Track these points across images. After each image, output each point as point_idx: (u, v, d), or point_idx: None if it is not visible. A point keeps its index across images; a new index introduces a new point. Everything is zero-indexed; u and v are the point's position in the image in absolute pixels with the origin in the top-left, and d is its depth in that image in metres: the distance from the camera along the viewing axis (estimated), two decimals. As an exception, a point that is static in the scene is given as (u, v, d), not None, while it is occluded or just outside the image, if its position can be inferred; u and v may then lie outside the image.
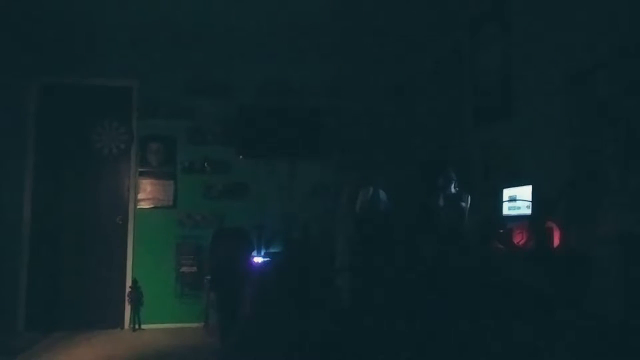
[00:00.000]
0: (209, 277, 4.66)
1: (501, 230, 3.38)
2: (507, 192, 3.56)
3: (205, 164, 5.19)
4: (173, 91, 5.16)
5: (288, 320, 4.07)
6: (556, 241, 2.97)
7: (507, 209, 3.52)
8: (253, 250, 4.61)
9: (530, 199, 3.26)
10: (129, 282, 4.95)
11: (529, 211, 3.26)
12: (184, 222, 5.12)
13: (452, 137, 4.79)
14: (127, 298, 4.92)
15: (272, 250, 4.72)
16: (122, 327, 4.93)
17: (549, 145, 3.38)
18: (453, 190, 3.97)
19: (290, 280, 4.27)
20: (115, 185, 5.13)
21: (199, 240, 5.04)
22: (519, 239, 3.11)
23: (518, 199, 3.38)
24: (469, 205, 3.90)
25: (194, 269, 5.02)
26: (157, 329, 4.89)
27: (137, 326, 4.88)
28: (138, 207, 5.08)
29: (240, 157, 5.20)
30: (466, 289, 3.23)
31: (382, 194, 4.26)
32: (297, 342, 3.81)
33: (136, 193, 5.09)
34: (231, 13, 4.55)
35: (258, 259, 4.60)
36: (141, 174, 5.13)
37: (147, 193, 5.11)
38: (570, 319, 2.64)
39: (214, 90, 5.24)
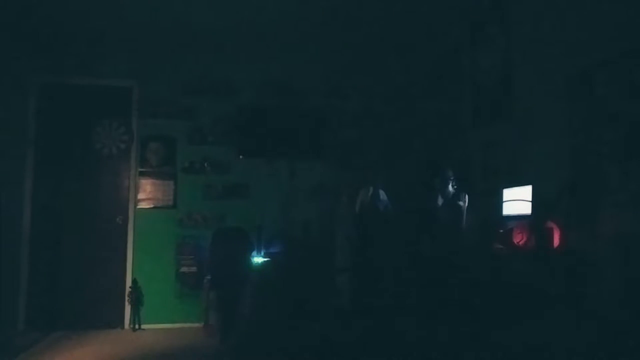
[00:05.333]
0: (209, 277, 4.66)
1: (501, 230, 3.39)
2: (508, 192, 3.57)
3: (205, 164, 5.19)
4: (173, 91, 5.16)
5: (288, 320, 4.07)
6: (556, 241, 2.97)
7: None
8: (253, 250, 4.61)
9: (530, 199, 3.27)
10: (129, 282, 4.94)
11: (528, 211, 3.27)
12: (184, 222, 5.12)
13: (452, 137, 4.80)
14: (127, 298, 4.92)
15: (272, 250, 4.72)
16: (122, 327, 4.93)
17: (549, 145, 3.38)
18: (451, 189, 3.97)
19: (290, 280, 4.27)
20: (115, 185, 5.12)
21: (199, 240, 5.03)
22: (519, 239, 3.11)
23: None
24: (467, 204, 3.90)
25: (194, 269, 5.02)
26: (157, 329, 4.88)
27: (137, 326, 4.88)
28: (138, 207, 5.08)
29: (240, 157, 5.20)
30: (466, 289, 3.23)
31: (382, 194, 4.27)
32: (297, 342, 3.81)
33: (136, 193, 5.09)
34: (231, 13, 4.55)
35: (258, 259, 4.59)
36: (141, 174, 5.13)
37: (147, 193, 5.11)
38: (570, 319, 2.64)
39: (214, 90, 5.23)
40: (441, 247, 3.67)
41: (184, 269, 5.03)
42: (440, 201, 3.99)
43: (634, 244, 2.59)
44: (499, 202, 3.63)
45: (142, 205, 5.09)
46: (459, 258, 3.50)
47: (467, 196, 3.93)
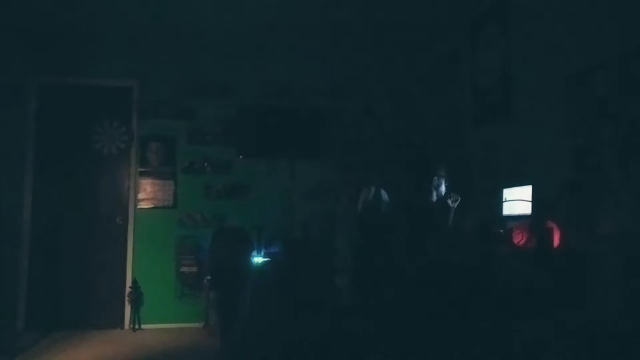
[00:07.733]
0: (209, 277, 4.65)
1: (501, 230, 3.39)
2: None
3: (205, 164, 5.19)
4: (173, 91, 5.16)
5: (288, 320, 4.07)
6: (556, 241, 2.97)
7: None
8: (253, 250, 4.61)
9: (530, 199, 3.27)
10: (129, 282, 4.94)
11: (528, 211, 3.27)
12: (184, 222, 5.12)
13: (452, 137, 4.80)
14: (127, 298, 4.92)
15: (272, 250, 4.72)
16: (122, 327, 4.93)
17: (549, 145, 3.38)
18: (444, 187, 3.95)
19: (290, 280, 4.27)
20: (115, 185, 5.12)
21: (199, 240, 5.03)
22: (519, 239, 3.11)
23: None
24: (456, 204, 3.88)
25: (194, 269, 5.02)
26: (157, 329, 4.88)
27: (137, 326, 4.88)
28: (138, 207, 5.08)
29: (240, 157, 5.20)
30: (466, 289, 3.23)
31: (384, 194, 4.26)
32: (297, 342, 3.81)
33: (136, 193, 5.09)
34: (231, 13, 4.55)
35: (258, 259, 4.59)
36: (141, 174, 5.13)
37: (147, 193, 5.11)
38: (570, 319, 2.64)
39: (214, 90, 5.23)
40: (436, 246, 3.67)
41: (184, 269, 5.02)
42: (434, 198, 3.96)
43: (634, 244, 2.59)
44: (499, 202, 3.63)
45: (142, 205, 5.09)
46: (459, 258, 3.50)
47: (454, 195, 3.89)
